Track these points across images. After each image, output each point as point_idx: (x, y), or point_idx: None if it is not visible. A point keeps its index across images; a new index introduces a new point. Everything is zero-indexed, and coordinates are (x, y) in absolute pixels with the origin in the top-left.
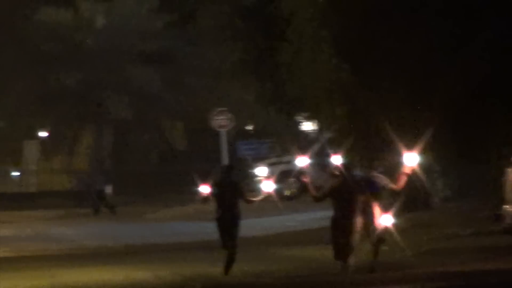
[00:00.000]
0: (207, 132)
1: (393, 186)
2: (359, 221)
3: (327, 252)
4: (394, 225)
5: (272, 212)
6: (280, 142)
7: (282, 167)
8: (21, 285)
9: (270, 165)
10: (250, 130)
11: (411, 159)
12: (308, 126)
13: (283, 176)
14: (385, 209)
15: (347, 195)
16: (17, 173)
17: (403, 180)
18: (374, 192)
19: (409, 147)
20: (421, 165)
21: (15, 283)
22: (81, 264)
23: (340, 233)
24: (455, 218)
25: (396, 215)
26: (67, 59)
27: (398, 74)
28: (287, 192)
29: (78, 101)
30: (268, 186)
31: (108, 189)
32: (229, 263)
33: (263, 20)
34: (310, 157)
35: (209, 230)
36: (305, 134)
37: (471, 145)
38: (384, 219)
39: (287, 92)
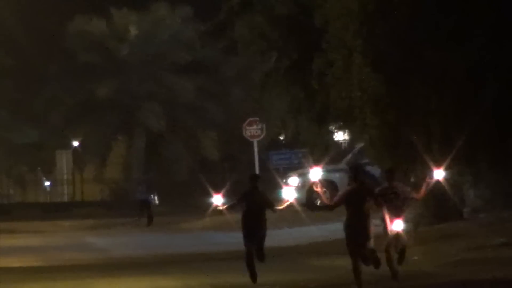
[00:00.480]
0: (239, 142)
1: (414, 195)
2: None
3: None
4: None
5: (304, 222)
6: (311, 152)
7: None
8: None
9: (301, 175)
10: (282, 140)
11: (438, 174)
12: (340, 136)
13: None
14: (396, 215)
15: (359, 201)
16: (49, 183)
17: (424, 191)
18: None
19: (439, 159)
20: (451, 176)
21: None
22: (112, 274)
23: (354, 238)
24: (485, 229)
25: (423, 225)
26: (100, 68)
27: (431, 85)
28: (318, 202)
29: (111, 111)
30: (289, 194)
31: (154, 199)
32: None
33: (297, 30)
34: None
35: (240, 239)
36: (337, 144)
37: (502, 155)
38: (395, 225)
39: (319, 101)
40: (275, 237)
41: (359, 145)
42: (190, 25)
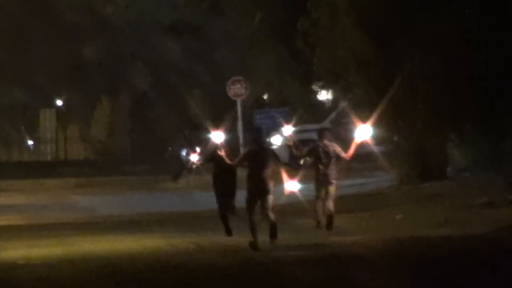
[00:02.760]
0: (224, 101)
1: (343, 155)
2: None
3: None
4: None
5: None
6: (295, 111)
7: (297, 137)
8: (36, 253)
9: (284, 134)
10: (266, 99)
11: (363, 132)
12: (323, 95)
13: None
14: (325, 172)
15: (261, 162)
16: (32, 142)
17: (352, 151)
18: (328, 159)
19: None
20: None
21: (30, 251)
22: (96, 232)
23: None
24: (469, 188)
25: (407, 184)
26: (85, 29)
27: (417, 46)
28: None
29: (96, 71)
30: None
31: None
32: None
33: None
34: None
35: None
36: (320, 103)
37: (488, 115)
38: (290, 185)
39: (304, 61)
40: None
41: (342, 104)
42: None
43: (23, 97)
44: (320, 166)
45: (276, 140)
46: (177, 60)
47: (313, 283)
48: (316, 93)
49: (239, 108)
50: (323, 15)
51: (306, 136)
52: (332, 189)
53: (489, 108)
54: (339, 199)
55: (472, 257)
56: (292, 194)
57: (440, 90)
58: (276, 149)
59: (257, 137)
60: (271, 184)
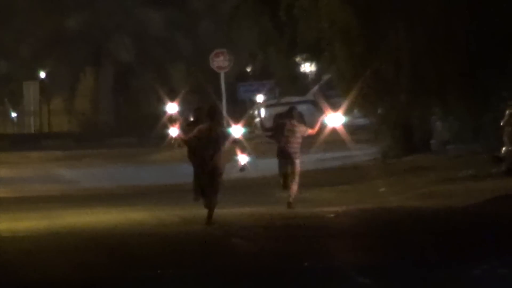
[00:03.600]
0: (208, 74)
1: (309, 131)
2: None
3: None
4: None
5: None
6: (279, 84)
7: (279, 109)
8: (19, 226)
9: (268, 106)
10: (250, 72)
11: (335, 119)
12: (307, 67)
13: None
14: (290, 148)
15: (211, 137)
16: (16, 114)
17: (318, 127)
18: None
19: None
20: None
21: (14, 224)
22: (80, 205)
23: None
24: (453, 161)
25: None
26: (70, 1)
27: (401, 17)
28: None
29: (79, 43)
30: (237, 131)
31: None
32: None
33: None
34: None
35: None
36: (304, 75)
37: (471, 88)
38: (242, 158)
39: (287, 33)
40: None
41: (325, 77)
42: None
43: (6, 69)
44: (282, 143)
45: (260, 113)
46: (160, 32)
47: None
48: (299, 65)
49: (222, 81)
50: None
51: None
52: (296, 167)
53: (472, 81)
54: (321, 172)
55: (455, 228)
56: (244, 166)
57: (424, 63)
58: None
59: (211, 115)
60: (221, 162)
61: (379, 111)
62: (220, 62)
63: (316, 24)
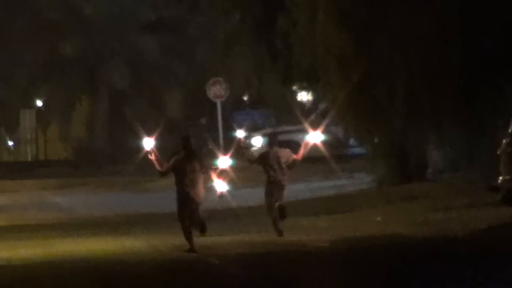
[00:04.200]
0: (204, 102)
1: (294, 156)
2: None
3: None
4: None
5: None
6: (275, 112)
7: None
8: (15, 254)
9: (265, 135)
10: (246, 100)
11: (314, 136)
12: (303, 96)
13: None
14: (278, 178)
15: (190, 168)
16: (12, 142)
17: (302, 152)
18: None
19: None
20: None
21: (10, 253)
22: (76, 233)
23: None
24: (449, 189)
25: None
26: (63, 26)
27: (396, 44)
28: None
29: (74, 69)
30: (224, 162)
31: None
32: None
33: None
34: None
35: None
36: (300, 104)
37: (466, 116)
38: (219, 185)
39: (283, 61)
40: (252, 196)
41: (322, 105)
42: None
43: (1, 96)
44: (271, 172)
45: (256, 141)
46: (156, 59)
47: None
48: (296, 93)
49: (219, 109)
50: (302, 15)
51: (284, 137)
52: (282, 194)
53: (467, 109)
54: (317, 200)
55: (449, 256)
56: (222, 194)
57: (419, 90)
58: (256, 150)
59: (185, 144)
60: (200, 191)
61: (375, 139)
62: (217, 90)
63: (311, 52)
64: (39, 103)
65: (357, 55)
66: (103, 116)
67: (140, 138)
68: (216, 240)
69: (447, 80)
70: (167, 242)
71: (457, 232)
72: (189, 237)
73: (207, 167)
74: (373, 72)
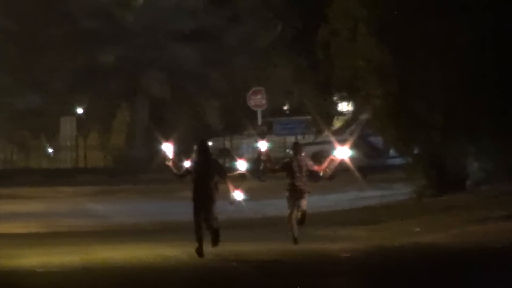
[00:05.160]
0: (242, 110)
1: (316, 168)
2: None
3: (358, 234)
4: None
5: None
6: (315, 122)
7: (315, 148)
8: (54, 261)
9: (304, 145)
10: (285, 109)
11: (342, 152)
12: (343, 106)
13: (317, 156)
14: (298, 184)
15: (205, 173)
16: (51, 149)
17: (325, 165)
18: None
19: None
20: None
21: (48, 259)
22: (114, 240)
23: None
24: (487, 201)
25: (426, 196)
26: (105, 35)
27: (434, 56)
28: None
29: (114, 78)
30: (241, 165)
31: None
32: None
33: (301, 0)
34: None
35: (243, 208)
36: (340, 114)
37: (506, 127)
38: (236, 195)
39: (323, 71)
40: (278, 207)
41: (362, 116)
42: None
43: (41, 104)
44: (293, 180)
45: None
46: (195, 68)
47: None
48: (335, 104)
49: (259, 118)
50: (343, 26)
51: (319, 148)
52: (303, 202)
53: (505, 120)
54: (356, 211)
55: (488, 268)
56: (238, 203)
57: (458, 102)
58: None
59: (202, 149)
60: (215, 194)
61: (415, 150)
62: (258, 100)
63: (351, 63)
64: (79, 110)
65: (397, 66)
66: (142, 124)
67: (177, 146)
68: (240, 248)
69: (485, 92)
70: (204, 249)
71: (495, 244)
72: (199, 237)
73: (224, 171)
74: (412, 84)
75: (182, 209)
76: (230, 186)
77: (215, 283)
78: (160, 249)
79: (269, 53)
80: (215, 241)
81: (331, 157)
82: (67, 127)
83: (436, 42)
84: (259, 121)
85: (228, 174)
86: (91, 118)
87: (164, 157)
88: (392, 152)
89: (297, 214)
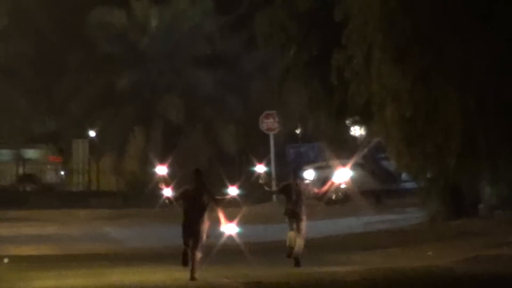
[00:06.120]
0: (257, 135)
1: (315, 191)
2: None
3: (371, 258)
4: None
5: (319, 216)
6: (328, 146)
7: (328, 172)
8: (67, 283)
9: (317, 169)
10: (299, 134)
11: (342, 174)
12: (357, 131)
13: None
14: (295, 209)
15: (195, 200)
16: (64, 172)
17: (326, 188)
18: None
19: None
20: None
21: (61, 282)
22: (126, 264)
23: (189, 235)
24: (501, 226)
25: (439, 221)
26: (120, 59)
27: (451, 81)
28: (334, 197)
29: (129, 102)
30: (232, 190)
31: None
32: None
33: (317, 24)
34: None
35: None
36: (353, 138)
37: None
38: (228, 228)
39: (337, 96)
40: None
41: (375, 140)
42: (210, 18)
43: (56, 127)
44: (290, 204)
45: (308, 175)
46: (210, 93)
47: None
48: (349, 128)
49: (271, 142)
50: (358, 51)
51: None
52: (302, 225)
53: None
54: (369, 235)
55: None
56: (230, 236)
57: (474, 127)
58: (308, 183)
59: (196, 177)
60: (205, 225)
61: (428, 174)
62: (270, 123)
63: (366, 88)
64: (91, 133)
65: (412, 91)
66: (156, 148)
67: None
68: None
69: (502, 118)
70: (219, 274)
71: (509, 269)
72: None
73: (217, 198)
74: (427, 109)
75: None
76: (223, 217)
77: None
78: (174, 273)
79: (285, 78)
80: (192, 274)
81: (331, 180)
82: (79, 149)
83: (454, 67)
84: (271, 145)
85: (218, 197)
86: (105, 141)
87: (159, 179)
88: (404, 176)
89: (296, 235)
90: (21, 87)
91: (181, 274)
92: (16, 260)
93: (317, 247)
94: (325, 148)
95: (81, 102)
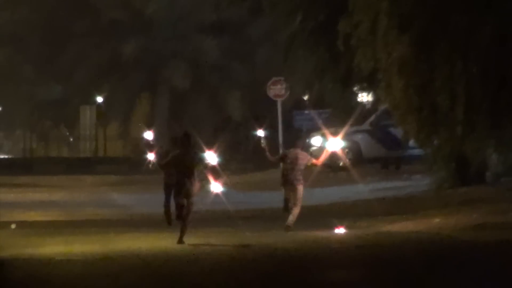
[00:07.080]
0: (264, 101)
1: (313, 160)
2: None
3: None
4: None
5: (326, 183)
6: (335, 113)
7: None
8: (74, 249)
9: (324, 135)
10: (306, 100)
11: (334, 143)
12: (363, 97)
13: None
14: (293, 176)
15: (186, 164)
16: (71, 139)
17: (323, 157)
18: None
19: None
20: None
21: (68, 248)
22: (133, 230)
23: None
24: (508, 193)
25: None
26: (126, 26)
27: (456, 49)
28: (341, 163)
29: (136, 69)
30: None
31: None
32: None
33: None
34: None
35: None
36: (360, 105)
37: None
38: (215, 186)
39: (344, 63)
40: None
41: (382, 107)
42: None
43: (62, 94)
44: (285, 172)
45: (315, 141)
46: (216, 59)
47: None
48: (356, 95)
49: (279, 109)
50: (365, 18)
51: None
52: (298, 189)
53: None
54: (376, 202)
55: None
56: (217, 195)
57: (480, 95)
58: (315, 150)
59: (185, 141)
60: (196, 188)
61: (435, 142)
62: (277, 90)
63: (373, 55)
64: (99, 99)
65: (418, 59)
66: (163, 115)
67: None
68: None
69: (507, 85)
70: (225, 240)
71: None
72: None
73: (205, 162)
74: (433, 77)
75: (204, 199)
76: (210, 177)
77: (232, 271)
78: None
79: (291, 45)
80: (181, 237)
81: (325, 149)
82: (86, 115)
83: (459, 36)
84: (279, 112)
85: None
86: (111, 108)
87: (146, 145)
88: (411, 143)
89: (292, 203)
90: (27, 53)
91: (188, 239)
92: (23, 225)
93: (324, 213)
94: (332, 114)
95: (87, 68)
